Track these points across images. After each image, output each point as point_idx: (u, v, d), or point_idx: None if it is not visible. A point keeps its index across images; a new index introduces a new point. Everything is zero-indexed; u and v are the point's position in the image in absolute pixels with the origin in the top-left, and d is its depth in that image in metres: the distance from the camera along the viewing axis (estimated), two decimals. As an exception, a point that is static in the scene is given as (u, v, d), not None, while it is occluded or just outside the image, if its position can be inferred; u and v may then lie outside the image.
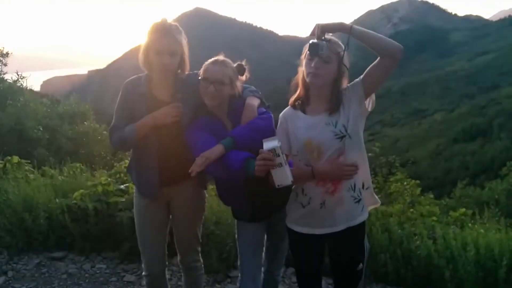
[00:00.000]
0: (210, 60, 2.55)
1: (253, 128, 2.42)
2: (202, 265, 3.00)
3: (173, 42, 2.47)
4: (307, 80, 2.30)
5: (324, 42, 2.18)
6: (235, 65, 2.59)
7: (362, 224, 2.41)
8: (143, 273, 2.83)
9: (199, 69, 2.56)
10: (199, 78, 2.51)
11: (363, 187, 2.41)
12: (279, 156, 2.12)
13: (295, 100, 2.44)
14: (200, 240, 2.95)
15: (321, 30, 2.18)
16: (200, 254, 2.97)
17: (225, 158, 2.35)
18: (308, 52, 2.24)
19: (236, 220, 2.75)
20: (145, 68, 2.55)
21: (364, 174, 2.40)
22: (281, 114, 2.49)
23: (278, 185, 2.17)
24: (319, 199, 2.32)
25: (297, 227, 2.45)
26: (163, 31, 2.44)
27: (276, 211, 2.62)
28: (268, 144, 2.16)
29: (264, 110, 2.57)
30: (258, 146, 2.21)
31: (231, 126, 2.55)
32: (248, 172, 2.27)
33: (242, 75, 2.62)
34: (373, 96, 2.34)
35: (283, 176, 2.15)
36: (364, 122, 2.40)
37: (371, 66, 2.24)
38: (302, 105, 2.41)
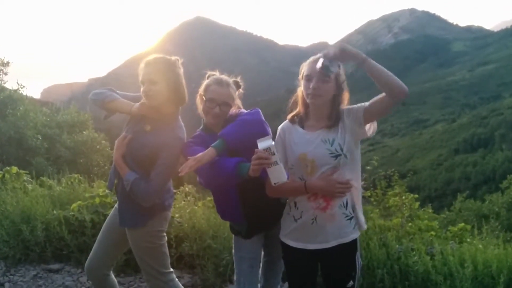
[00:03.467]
0: (213, 80, 2.59)
1: (239, 124, 2.42)
2: None
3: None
4: (307, 100, 2.31)
5: (337, 63, 2.19)
6: (231, 80, 2.64)
7: (354, 241, 2.40)
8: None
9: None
10: (204, 98, 2.55)
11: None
12: (274, 154, 2.13)
13: (294, 115, 2.46)
14: (163, 270, 2.80)
15: (341, 50, 2.11)
16: (169, 282, 2.83)
17: (218, 164, 2.35)
18: (319, 69, 2.17)
19: (233, 235, 2.75)
20: None
21: (356, 193, 2.40)
22: (279, 127, 2.50)
23: (274, 183, 2.17)
24: (310, 215, 2.33)
25: (290, 241, 2.46)
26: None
27: (272, 226, 2.62)
28: (263, 144, 2.17)
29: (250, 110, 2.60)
30: (249, 141, 2.23)
31: None
32: (242, 174, 2.28)
33: (237, 90, 2.69)
34: (375, 122, 2.35)
35: (279, 174, 2.16)
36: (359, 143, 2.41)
37: (375, 99, 2.24)
38: (301, 120, 2.42)
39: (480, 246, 3.94)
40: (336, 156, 2.26)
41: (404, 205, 5.11)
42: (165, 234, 2.79)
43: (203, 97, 2.58)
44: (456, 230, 4.71)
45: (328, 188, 2.26)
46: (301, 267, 2.48)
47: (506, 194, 10.80)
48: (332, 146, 2.27)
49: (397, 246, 3.93)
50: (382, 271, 3.66)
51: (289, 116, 2.48)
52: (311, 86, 2.24)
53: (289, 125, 2.46)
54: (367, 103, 2.27)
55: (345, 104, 2.38)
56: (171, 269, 2.85)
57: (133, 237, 2.71)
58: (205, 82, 2.63)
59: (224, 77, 2.63)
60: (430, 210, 5.99)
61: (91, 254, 2.90)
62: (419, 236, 4.22)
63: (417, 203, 5.35)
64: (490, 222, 5.82)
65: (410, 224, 4.58)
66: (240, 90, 2.71)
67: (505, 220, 8.55)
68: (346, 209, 2.34)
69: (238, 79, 2.70)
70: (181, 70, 2.60)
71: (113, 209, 2.94)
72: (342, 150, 2.26)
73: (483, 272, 3.54)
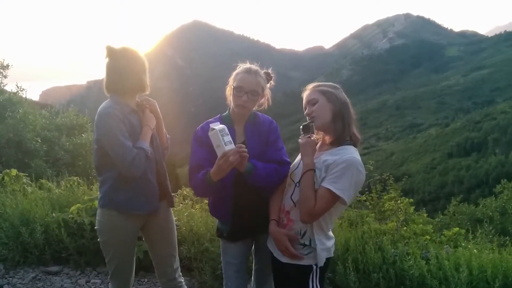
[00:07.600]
0: (242, 69, 2.58)
1: (274, 171, 2.47)
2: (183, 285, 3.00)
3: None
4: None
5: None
6: (262, 71, 2.63)
7: (307, 267, 2.35)
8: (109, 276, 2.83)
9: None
10: (233, 86, 2.55)
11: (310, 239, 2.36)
12: (228, 134, 2.27)
13: None
14: (177, 259, 2.97)
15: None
16: (181, 274, 2.99)
17: (196, 182, 2.46)
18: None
19: (220, 240, 2.80)
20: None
21: (319, 230, 2.35)
22: None
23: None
24: None
25: (268, 243, 2.58)
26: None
27: (258, 233, 2.66)
28: (218, 130, 2.24)
29: (287, 159, 2.59)
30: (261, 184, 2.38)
31: (243, 134, 2.60)
32: (209, 181, 2.36)
33: (268, 82, 2.67)
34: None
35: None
36: None
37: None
38: None
39: (475, 250, 3.98)
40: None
41: (400, 209, 5.17)
42: None
43: (232, 86, 2.57)
44: (450, 234, 4.77)
45: (276, 240, 2.39)
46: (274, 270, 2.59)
47: (499, 198, 10.83)
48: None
49: (393, 250, 3.97)
50: (378, 275, 3.70)
51: None
52: (306, 112, 2.41)
53: None
54: (325, 187, 2.22)
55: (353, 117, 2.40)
56: None
57: (169, 217, 2.91)
58: (235, 72, 2.63)
59: (254, 66, 2.61)
60: (425, 214, 6.06)
61: (127, 275, 2.84)
62: (414, 240, 4.27)
63: (412, 208, 5.42)
64: (484, 226, 5.86)
65: (405, 228, 4.63)
66: (272, 82, 2.69)
67: (499, 224, 8.58)
68: (302, 238, 2.34)
69: (269, 71, 2.68)
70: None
71: (124, 226, 2.71)
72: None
73: (478, 276, 3.59)
